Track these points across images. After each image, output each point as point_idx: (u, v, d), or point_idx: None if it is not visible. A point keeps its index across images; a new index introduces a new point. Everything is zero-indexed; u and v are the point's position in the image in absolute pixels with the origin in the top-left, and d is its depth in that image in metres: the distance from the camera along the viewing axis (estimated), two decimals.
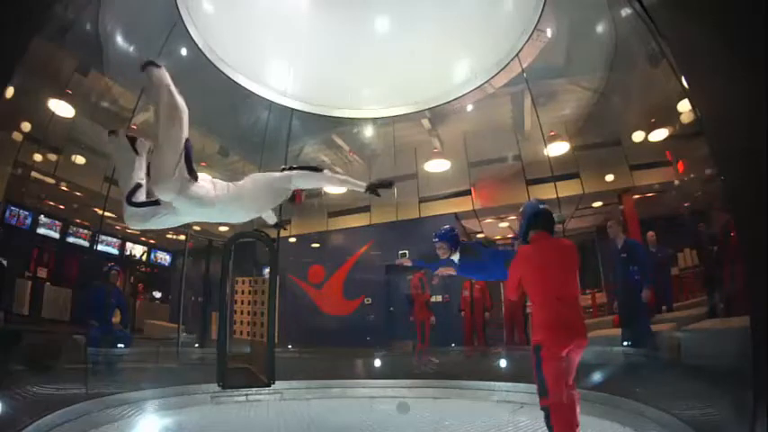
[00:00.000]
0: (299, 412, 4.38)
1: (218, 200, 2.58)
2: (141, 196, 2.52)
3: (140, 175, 2.55)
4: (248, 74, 5.64)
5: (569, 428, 2.31)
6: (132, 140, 2.57)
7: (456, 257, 3.46)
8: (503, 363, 6.39)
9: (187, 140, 2.40)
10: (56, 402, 3.44)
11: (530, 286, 2.62)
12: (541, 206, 2.77)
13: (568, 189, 8.04)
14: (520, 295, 2.76)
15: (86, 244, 8.64)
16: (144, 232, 10.45)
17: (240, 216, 2.94)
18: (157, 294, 11.21)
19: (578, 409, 2.40)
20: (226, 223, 10.10)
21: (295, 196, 2.93)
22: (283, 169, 2.91)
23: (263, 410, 4.48)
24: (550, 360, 2.36)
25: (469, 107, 7.69)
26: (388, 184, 2.97)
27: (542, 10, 4.77)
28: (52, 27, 4.82)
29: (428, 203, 9.38)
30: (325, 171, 2.96)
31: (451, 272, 3.61)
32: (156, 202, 2.51)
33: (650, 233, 6.27)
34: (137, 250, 10.55)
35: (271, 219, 3.32)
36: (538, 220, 2.72)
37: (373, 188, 2.91)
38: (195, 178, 2.44)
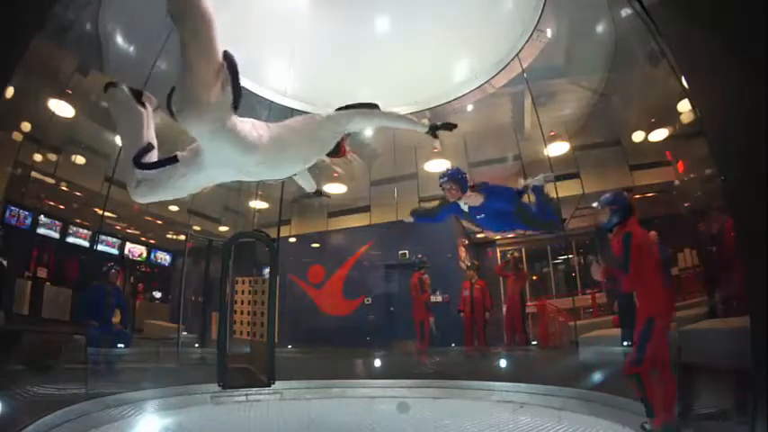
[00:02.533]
0: (299, 412, 4.37)
1: (261, 143, 1.93)
2: (152, 159, 1.99)
3: (150, 135, 2.04)
4: (248, 73, 5.63)
5: (658, 386, 2.72)
6: (137, 93, 2.07)
7: (465, 202, 3.20)
8: (503, 363, 6.39)
9: (226, 52, 1.71)
10: (56, 402, 3.43)
11: (647, 266, 2.92)
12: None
13: (568, 189, 8.04)
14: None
15: (86, 244, 8.65)
16: (144, 232, 10.48)
17: (282, 170, 2.29)
18: (157, 294, 11.23)
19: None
20: (227, 223, 10.18)
21: (339, 148, 2.45)
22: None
23: (263, 410, 4.47)
24: (662, 330, 2.85)
25: (469, 107, 7.69)
26: (450, 126, 2.62)
27: (542, 10, 4.77)
28: (52, 27, 4.82)
29: (428, 203, 9.37)
30: (382, 108, 2.42)
31: (478, 200, 3.08)
32: (174, 160, 1.94)
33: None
34: (136, 250, 10.55)
35: (309, 185, 2.85)
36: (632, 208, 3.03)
37: (435, 129, 2.60)
38: (236, 106, 1.77)
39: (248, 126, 1.90)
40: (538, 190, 3.37)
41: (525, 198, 3.35)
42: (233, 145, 1.84)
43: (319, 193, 3.06)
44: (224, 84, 1.69)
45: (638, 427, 3.20)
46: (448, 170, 3.27)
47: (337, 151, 2.46)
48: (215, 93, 1.65)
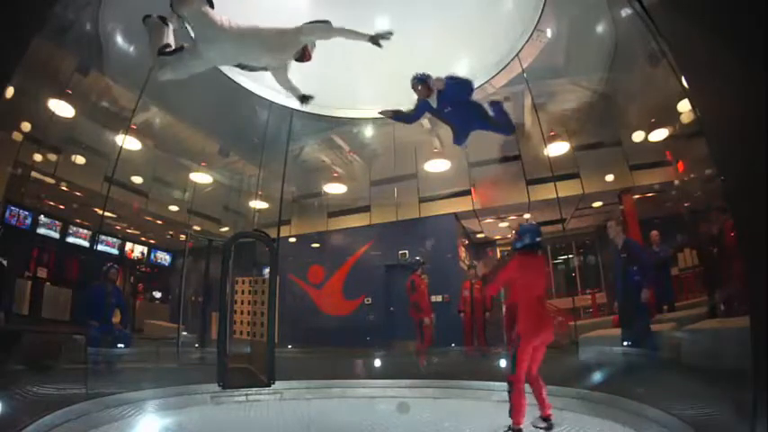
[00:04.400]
0: (299, 412, 4.37)
1: (232, 29, 2.91)
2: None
3: (170, 40, 3.06)
4: (248, 74, 5.63)
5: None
6: (163, 18, 3.09)
7: (434, 99, 3.72)
8: (503, 363, 6.38)
9: None
10: (56, 402, 3.44)
11: (519, 289, 3.47)
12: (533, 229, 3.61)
13: (568, 189, 8.04)
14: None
15: (86, 244, 8.65)
16: (144, 232, 10.49)
17: (258, 56, 3.16)
18: (157, 294, 11.23)
19: (545, 393, 3.42)
20: (227, 223, 10.18)
21: (304, 53, 3.18)
22: None
23: (263, 410, 4.47)
24: (526, 347, 3.29)
25: None
26: (387, 35, 3.14)
27: (542, 10, 4.77)
28: (52, 27, 4.82)
29: (428, 203, 9.38)
30: (332, 24, 3.19)
31: (440, 83, 3.68)
32: (181, 48, 2.98)
33: (654, 232, 6.28)
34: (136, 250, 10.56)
35: (294, 91, 3.51)
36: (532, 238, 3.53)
37: (376, 38, 3.15)
38: (212, 6, 2.86)
39: (223, 17, 2.89)
40: (495, 104, 4.01)
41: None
42: (205, 22, 2.83)
43: (304, 97, 3.56)
44: None
45: (638, 427, 3.23)
46: (417, 74, 3.79)
47: (302, 56, 3.19)
48: None
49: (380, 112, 4.14)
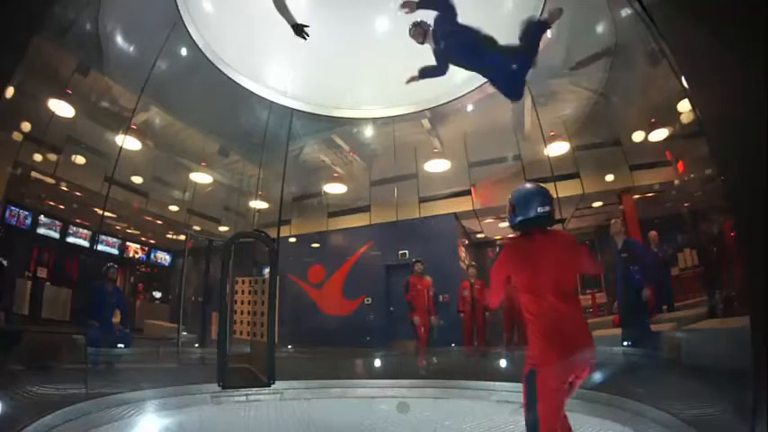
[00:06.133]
0: (299, 412, 4.37)
1: None
2: None
3: None
4: (248, 74, 5.63)
5: None
6: None
7: (430, 38, 3.61)
8: (503, 363, 6.39)
9: None
10: (56, 402, 3.44)
11: (525, 290, 2.20)
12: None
13: (568, 189, 8.04)
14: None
15: (86, 244, 8.65)
16: (144, 232, 10.48)
17: None
18: (157, 294, 11.22)
19: None
20: (227, 223, 10.18)
21: None
22: None
23: (263, 410, 4.47)
24: (546, 387, 2.00)
25: (469, 107, 7.68)
26: None
27: (542, 10, 4.77)
28: (52, 27, 4.83)
29: (428, 203, 9.38)
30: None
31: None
32: None
33: (653, 233, 6.28)
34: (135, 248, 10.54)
35: (290, 17, 3.56)
36: (536, 210, 2.13)
37: None
38: None
39: None
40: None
41: None
42: None
43: (297, 26, 3.53)
44: None
45: (638, 427, 3.23)
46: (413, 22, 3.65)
47: None
48: None
49: (408, 81, 3.91)
